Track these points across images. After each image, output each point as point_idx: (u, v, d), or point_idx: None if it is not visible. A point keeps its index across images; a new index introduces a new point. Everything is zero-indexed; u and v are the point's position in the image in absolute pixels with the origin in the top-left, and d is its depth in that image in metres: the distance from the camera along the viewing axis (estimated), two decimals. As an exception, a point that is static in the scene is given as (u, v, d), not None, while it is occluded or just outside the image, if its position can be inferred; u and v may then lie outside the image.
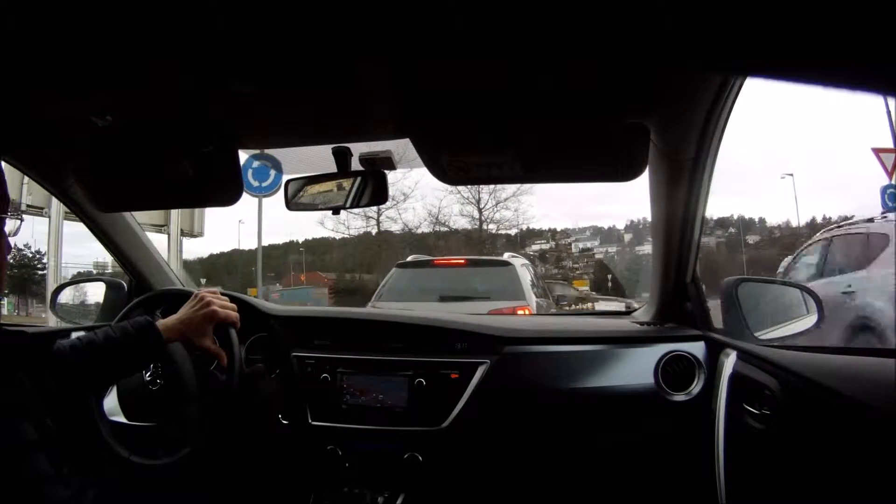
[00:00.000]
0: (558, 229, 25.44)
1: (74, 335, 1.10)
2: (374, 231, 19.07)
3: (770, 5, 0.31)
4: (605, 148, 0.96)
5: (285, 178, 1.17)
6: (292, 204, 1.16)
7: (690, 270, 1.22)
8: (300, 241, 24.39)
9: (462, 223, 19.06)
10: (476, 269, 4.47)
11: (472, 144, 0.97)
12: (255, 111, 0.98)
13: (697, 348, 1.19)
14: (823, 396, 0.80)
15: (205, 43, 0.67)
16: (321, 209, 1.17)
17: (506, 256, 4.99)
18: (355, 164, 1.14)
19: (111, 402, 1.23)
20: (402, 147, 1.10)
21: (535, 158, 1.00)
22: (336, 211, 1.17)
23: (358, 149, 1.13)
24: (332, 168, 1.13)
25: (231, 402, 1.16)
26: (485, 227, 18.90)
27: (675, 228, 1.14)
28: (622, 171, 1.00)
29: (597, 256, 24.45)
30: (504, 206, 18.38)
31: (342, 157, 1.12)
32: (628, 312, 1.57)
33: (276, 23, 0.61)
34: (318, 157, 1.15)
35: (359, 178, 1.12)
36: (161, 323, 1.02)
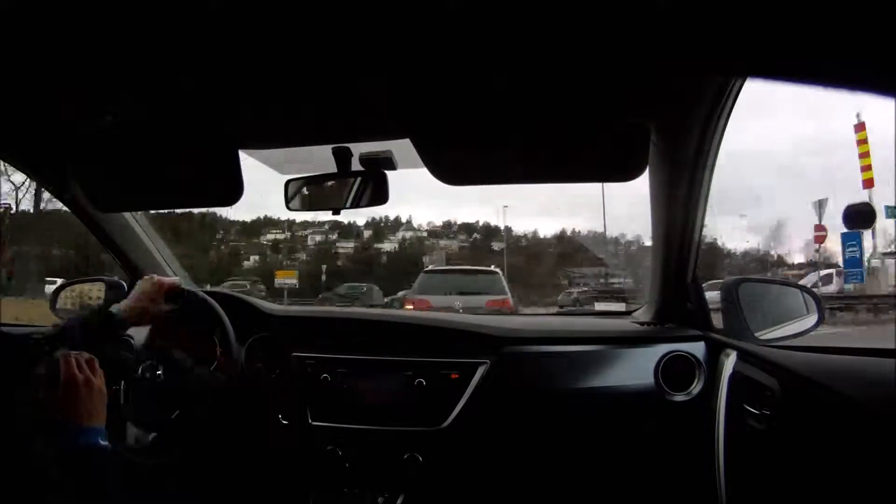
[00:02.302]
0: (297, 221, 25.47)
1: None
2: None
3: (770, 6, 0.31)
4: (605, 148, 0.96)
5: (285, 178, 1.17)
6: (292, 204, 1.16)
7: (690, 270, 1.21)
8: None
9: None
10: (477, 276, 6.62)
11: (473, 144, 0.97)
12: (255, 111, 0.98)
13: (697, 348, 1.19)
14: (823, 396, 0.80)
15: (205, 43, 0.67)
16: (321, 209, 1.17)
17: (492, 268, 7.33)
18: (356, 165, 1.14)
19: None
20: (402, 147, 1.10)
21: (536, 158, 1.00)
22: (336, 211, 1.17)
23: (358, 149, 1.13)
24: (329, 168, 1.14)
25: (230, 402, 1.16)
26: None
27: (676, 229, 1.14)
28: (622, 171, 1.00)
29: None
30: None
31: (342, 157, 1.12)
32: (628, 312, 1.57)
33: (277, 23, 0.61)
34: (315, 157, 1.15)
35: (359, 179, 1.12)
36: (120, 306, 1.07)
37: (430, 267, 7.37)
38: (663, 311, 1.31)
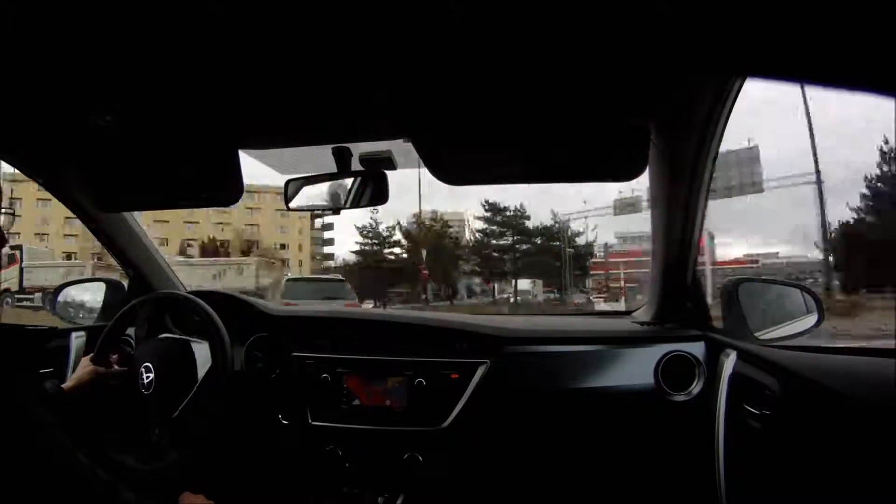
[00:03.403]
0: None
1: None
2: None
3: (770, 6, 0.31)
4: (605, 148, 0.96)
5: (285, 178, 1.17)
6: (292, 203, 1.16)
7: (690, 270, 1.21)
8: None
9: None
10: (330, 284, 8.36)
11: (473, 144, 0.97)
12: (255, 111, 0.98)
13: (697, 348, 1.19)
14: (823, 396, 0.80)
15: (206, 43, 0.67)
16: (320, 209, 1.17)
17: (338, 276, 9.57)
18: (356, 164, 1.14)
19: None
20: (402, 147, 1.10)
21: (536, 158, 1.00)
22: (336, 211, 1.17)
23: (358, 149, 1.13)
24: (329, 168, 1.14)
25: (226, 403, 1.16)
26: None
27: (676, 228, 1.14)
28: (622, 171, 1.00)
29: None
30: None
31: (342, 156, 1.12)
32: (628, 312, 1.57)
33: (277, 23, 0.61)
34: (315, 157, 1.15)
35: (359, 179, 1.12)
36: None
37: (289, 276, 9.21)
38: (663, 310, 1.31)
